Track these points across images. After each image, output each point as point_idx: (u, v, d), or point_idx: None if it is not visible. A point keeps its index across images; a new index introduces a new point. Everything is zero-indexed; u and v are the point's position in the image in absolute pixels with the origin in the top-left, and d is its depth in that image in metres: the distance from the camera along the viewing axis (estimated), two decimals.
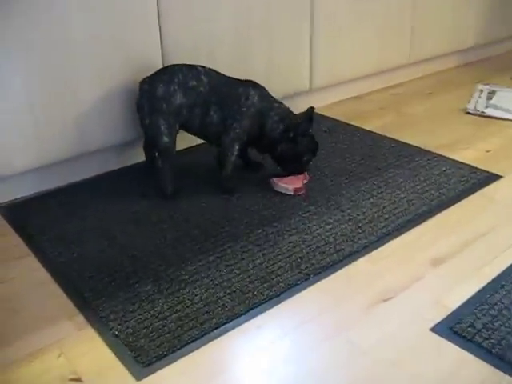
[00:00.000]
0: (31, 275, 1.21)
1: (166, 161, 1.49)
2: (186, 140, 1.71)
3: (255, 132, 1.53)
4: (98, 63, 1.53)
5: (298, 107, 1.69)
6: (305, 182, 1.56)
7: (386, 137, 1.92)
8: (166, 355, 0.97)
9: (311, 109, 1.54)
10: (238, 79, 1.56)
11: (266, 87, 1.57)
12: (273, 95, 1.56)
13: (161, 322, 1.05)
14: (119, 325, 1.04)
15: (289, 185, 1.54)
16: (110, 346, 1.00)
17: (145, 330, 1.03)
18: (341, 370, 0.94)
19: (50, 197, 1.54)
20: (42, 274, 1.21)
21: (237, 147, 1.53)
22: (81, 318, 1.07)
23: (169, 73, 1.48)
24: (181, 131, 1.53)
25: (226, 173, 1.54)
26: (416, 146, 1.83)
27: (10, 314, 1.09)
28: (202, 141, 1.64)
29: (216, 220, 1.40)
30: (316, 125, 1.96)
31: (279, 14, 1.92)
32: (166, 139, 1.46)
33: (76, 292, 1.14)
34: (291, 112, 1.57)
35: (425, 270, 1.20)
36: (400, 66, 2.49)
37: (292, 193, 1.53)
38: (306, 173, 1.58)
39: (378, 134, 1.95)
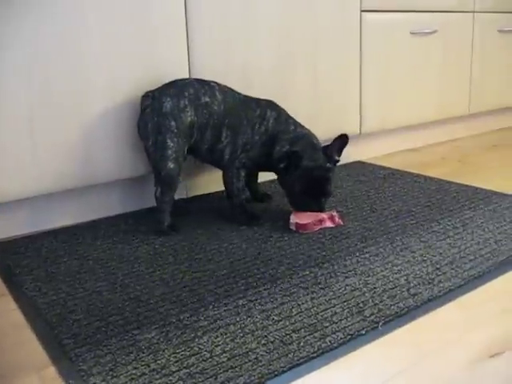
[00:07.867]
0: (2, 317, 0.91)
1: (168, 192, 1.22)
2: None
3: (262, 159, 1.29)
4: (113, 79, 1.30)
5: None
6: (327, 225, 1.26)
7: (451, 182, 1.61)
8: None
9: (340, 137, 1.25)
10: (257, 99, 1.32)
11: (309, 126, 1.32)
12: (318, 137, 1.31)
13: (164, 380, 0.71)
14: (103, 381, 0.71)
15: (295, 219, 1.24)
16: None
17: None
18: None
19: (48, 236, 1.25)
20: (15, 315, 0.91)
21: (243, 174, 1.30)
22: (51, 371, 0.75)
23: (178, 86, 1.23)
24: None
25: (237, 201, 1.30)
26: (491, 190, 1.51)
27: None
28: None
29: (249, 261, 1.09)
30: (370, 173, 1.69)
31: (324, 45, 1.69)
32: (171, 165, 1.19)
33: (53, 338, 0.83)
34: (311, 139, 1.27)
35: None
36: (459, 118, 2.23)
37: (294, 228, 1.24)
38: (335, 213, 1.27)
39: (442, 179, 1.64)
